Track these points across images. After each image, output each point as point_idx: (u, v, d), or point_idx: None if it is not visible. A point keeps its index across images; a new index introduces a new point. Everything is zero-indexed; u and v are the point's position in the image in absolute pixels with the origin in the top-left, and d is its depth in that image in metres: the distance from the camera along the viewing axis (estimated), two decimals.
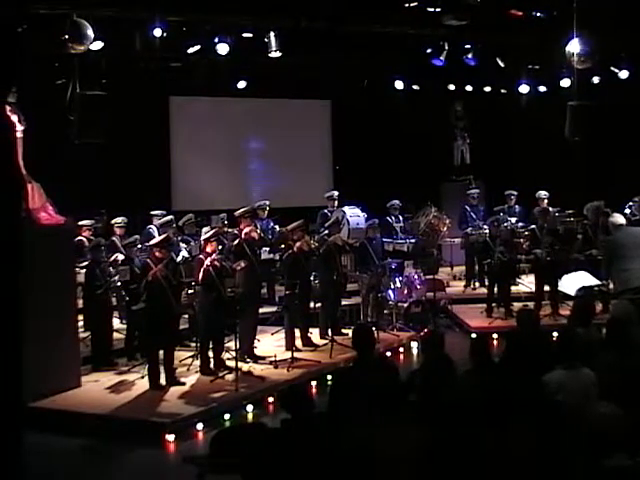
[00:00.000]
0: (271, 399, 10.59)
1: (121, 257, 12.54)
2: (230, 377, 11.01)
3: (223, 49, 14.15)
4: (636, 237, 10.97)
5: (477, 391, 5.83)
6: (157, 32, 13.41)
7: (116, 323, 12.93)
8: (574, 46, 13.15)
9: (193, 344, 12.30)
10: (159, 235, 12.93)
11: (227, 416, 10.04)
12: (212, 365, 11.48)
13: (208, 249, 11.41)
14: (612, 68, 16.88)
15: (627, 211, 14.48)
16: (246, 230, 12.35)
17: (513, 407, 5.47)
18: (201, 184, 18.54)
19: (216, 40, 14.15)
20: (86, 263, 12.23)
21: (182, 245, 13.18)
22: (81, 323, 11.99)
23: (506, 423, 5.16)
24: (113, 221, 14.23)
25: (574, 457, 4.80)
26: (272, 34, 14.15)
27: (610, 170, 17.66)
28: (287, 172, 19.55)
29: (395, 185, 18.09)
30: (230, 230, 13.51)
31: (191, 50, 14.50)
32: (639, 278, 10.69)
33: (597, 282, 12.05)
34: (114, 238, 13.80)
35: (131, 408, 10.15)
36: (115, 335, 12.48)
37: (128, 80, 15.72)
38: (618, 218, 11.03)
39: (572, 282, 12.64)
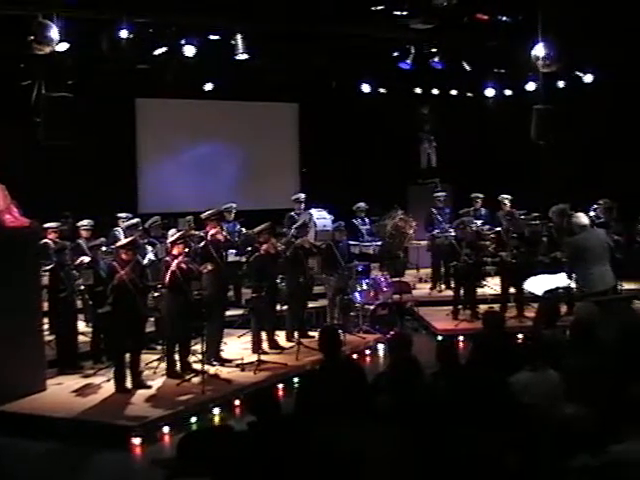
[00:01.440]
0: (238, 402, 10.59)
1: (87, 260, 12.43)
2: (197, 380, 10.97)
3: (190, 51, 14.13)
4: (600, 239, 11.05)
5: (444, 393, 5.85)
6: (123, 34, 13.35)
7: (82, 326, 12.84)
8: (539, 50, 13.25)
9: (159, 347, 12.24)
10: (125, 238, 12.86)
11: (194, 419, 10.02)
12: (178, 368, 11.43)
13: (175, 252, 11.35)
14: (577, 72, 17.04)
15: (592, 214, 14.58)
16: (212, 232, 12.32)
17: (480, 408, 5.50)
18: (167, 186, 18.49)
19: (183, 42, 14.13)
20: (51, 266, 12.13)
21: (148, 248, 13.11)
22: (46, 326, 11.90)
23: (473, 424, 5.18)
24: (79, 224, 14.10)
25: (540, 457, 4.83)
26: (239, 36, 14.14)
27: (575, 173, 17.79)
28: (254, 175, 19.52)
29: (362, 188, 18.15)
30: (196, 232, 13.47)
31: (158, 52, 14.45)
32: (603, 281, 10.78)
33: (564, 283, 12.13)
34: (80, 241, 13.67)
35: (97, 411, 10.08)
36: (81, 338, 12.37)
37: (94, 82, 15.60)
38: (582, 218, 11.03)
39: (539, 283, 12.75)
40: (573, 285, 11.76)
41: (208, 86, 17.33)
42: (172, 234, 12.80)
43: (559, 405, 5.16)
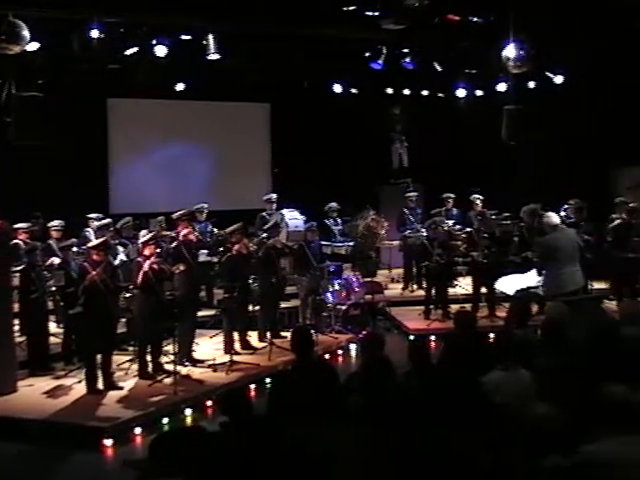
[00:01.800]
0: (210, 402, 10.57)
1: (57, 261, 12.36)
2: (168, 381, 10.93)
3: (161, 51, 14.07)
4: (571, 239, 11.10)
5: (416, 392, 5.86)
6: (94, 33, 13.26)
7: (53, 327, 12.77)
8: (510, 51, 13.30)
9: (131, 348, 12.16)
10: (96, 238, 12.80)
11: (166, 420, 10.00)
12: (150, 369, 11.39)
13: (146, 252, 11.31)
14: (547, 73, 17.14)
15: (562, 214, 14.66)
16: (184, 233, 12.30)
17: (452, 408, 5.51)
18: (139, 187, 18.43)
19: (154, 42, 14.07)
20: (22, 267, 12.03)
21: (120, 248, 13.04)
22: (17, 327, 11.81)
23: (445, 424, 5.20)
24: (50, 224, 14.01)
25: (512, 457, 4.84)
26: (211, 36, 14.08)
27: (546, 173, 17.90)
28: (226, 175, 19.50)
29: (334, 188, 18.15)
30: (168, 233, 13.43)
31: (129, 52, 14.36)
32: (573, 281, 10.83)
33: (535, 282, 12.18)
34: (50, 241, 13.59)
35: (69, 413, 10.02)
36: (52, 339, 12.31)
37: (65, 81, 15.49)
38: (553, 218, 11.08)
39: (510, 282, 12.80)
40: (538, 284, 11.79)
41: (180, 86, 17.27)
42: (144, 235, 12.72)
43: (531, 405, 5.18)
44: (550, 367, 6.52)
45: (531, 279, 12.64)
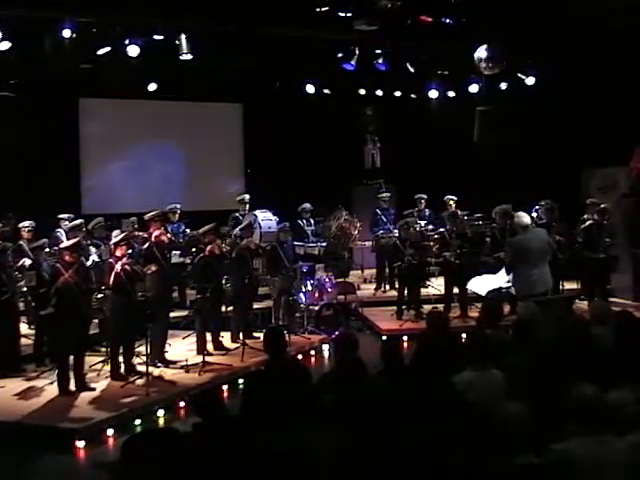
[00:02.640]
0: (182, 404, 10.55)
1: (28, 262, 12.29)
2: (141, 382, 10.91)
3: (134, 51, 14.02)
4: (542, 240, 11.12)
5: (389, 392, 5.88)
6: (66, 33, 13.21)
7: (24, 328, 12.69)
8: (482, 52, 13.38)
9: (103, 349, 12.13)
10: (67, 239, 12.73)
11: (138, 421, 9.96)
12: (122, 370, 11.35)
13: (118, 253, 11.26)
14: (519, 74, 17.23)
15: (534, 214, 14.75)
16: (156, 234, 12.26)
17: (424, 407, 5.54)
18: (111, 187, 18.35)
19: (127, 42, 14.02)
20: None
21: (92, 249, 12.98)
22: None
23: (418, 423, 5.22)
24: (20, 225, 13.89)
25: (484, 456, 4.87)
26: (183, 36, 14.08)
27: (518, 174, 17.98)
28: (198, 175, 19.45)
29: (306, 189, 18.15)
30: (140, 234, 13.38)
31: (101, 51, 14.30)
32: (543, 283, 10.87)
33: (506, 283, 12.23)
34: (21, 242, 13.47)
35: (40, 414, 9.96)
36: (23, 340, 12.23)
37: (37, 81, 15.41)
38: (523, 218, 11.07)
39: (482, 283, 12.86)
40: (507, 286, 11.83)
41: (152, 86, 17.18)
42: (116, 235, 12.68)
43: (502, 404, 5.21)
44: (521, 367, 6.56)
45: (502, 279, 12.70)
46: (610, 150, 16.18)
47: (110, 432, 9.52)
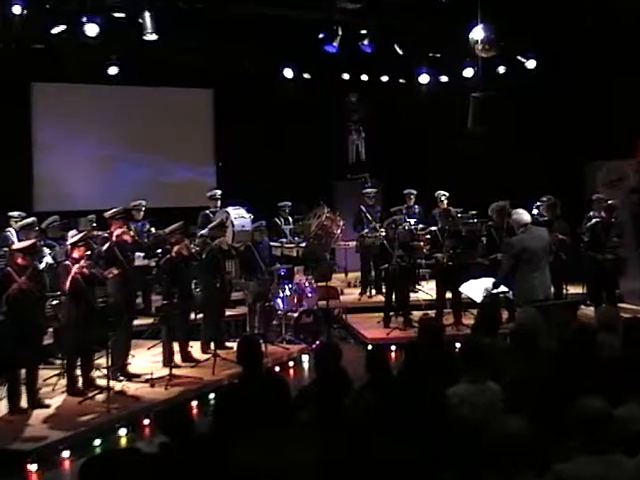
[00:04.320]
0: (147, 421, 10.52)
1: None
2: (101, 397, 10.88)
3: (92, 30, 13.98)
4: (543, 240, 11.07)
5: (374, 407, 5.89)
6: (16, 9, 13.14)
7: None
8: (478, 33, 13.37)
9: (59, 361, 12.10)
10: (18, 239, 12.69)
11: (98, 441, 9.92)
12: (80, 384, 11.31)
13: (75, 255, 11.21)
14: (518, 57, 17.28)
15: (534, 212, 14.82)
16: (118, 233, 12.22)
17: (414, 424, 5.55)
18: (67, 182, 18.28)
19: (84, 19, 13.97)
20: None
21: (46, 250, 12.93)
22: None
23: (407, 441, 5.23)
24: None
25: (480, 477, 4.88)
26: (147, 14, 14.03)
27: (516, 167, 18.03)
28: (164, 169, 19.45)
29: (284, 183, 18.16)
30: (100, 233, 13.34)
31: (55, 30, 14.26)
32: (545, 288, 10.87)
33: (503, 288, 12.23)
34: None
35: None
36: None
37: None
38: (522, 215, 11.00)
39: (477, 287, 12.85)
40: (500, 290, 11.83)
41: (113, 70, 17.14)
42: (72, 235, 12.64)
43: (500, 419, 5.22)
44: (521, 378, 6.58)
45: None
46: (618, 141, 16.26)
47: (66, 454, 9.48)
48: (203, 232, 14.39)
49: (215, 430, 6.50)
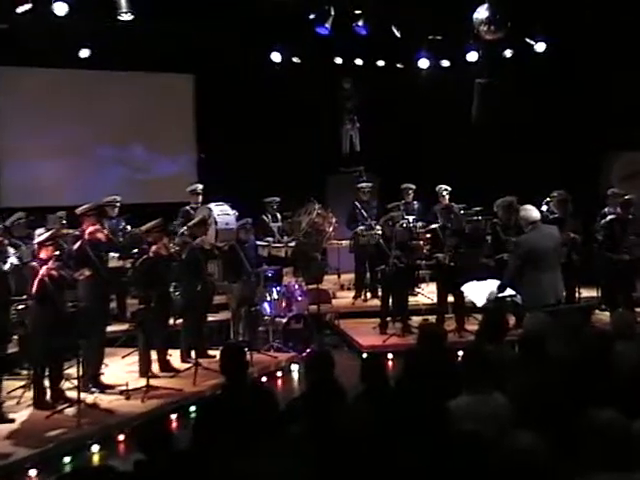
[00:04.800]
0: (122, 437, 10.51)
1: None
2: (71, 411, 10.85)
3: (61, 9, 13.94)
4: (553, 239, 11.04)
5: (370, 420, 5.88)
6: None
7: None
8: (482, 13, 13.39)
9: (25, 371, 12.08)
10: None
11: (67, 459, 9.91)
12: (48, 397, 11.29)
13: (43, 255, 11.19)
14: (527, 39, 17.27)
15: (544, 208, 14.83)
16: (90, 231, 12.20)
17: (413, 439, 5.54)
18: (34, 175, 18.23)
19: None
20: None
21: (10, 250, 12.87)
22: None
23: (405, 457, 5.22)
24: None
25: None
26: None
27: (524, 160, 18.04)
28: (141, 161, 19.44)
29: (272, 177, 18.14)
30: (70, 231, 13.33)
31: (20, 9, 14.21)
32: (555, 291, 10.85)
33: (510, 292, 12.22)
34: None
35: None
36: None
37: None
38: (531, 212, 10.96)
39: (480, 290, 12.84)
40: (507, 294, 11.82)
41: (84, 52, 17.11)
42: (40, 233, 12.60)
43: (509, 434, 5.21)
44: (529, 389, 6.57)
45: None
46: (635, 131, 16.28)
47: (33, 472, 9.46)
48: (183, 230, 14.38)
49: (196, 446, 6.49)
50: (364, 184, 17.79)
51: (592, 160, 18.11)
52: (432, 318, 13.81)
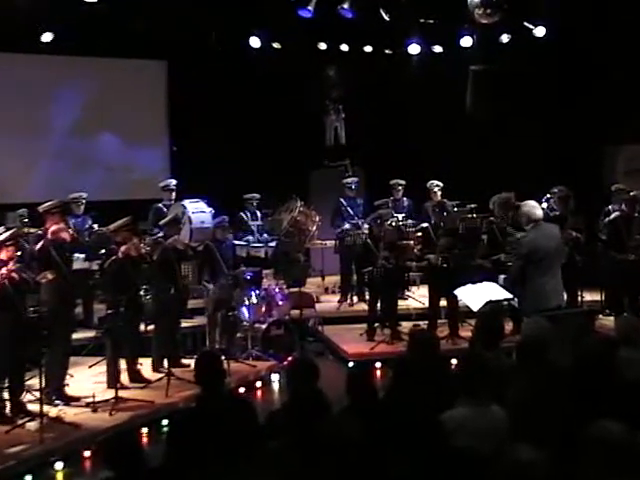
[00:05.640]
0: (88, 453, 10.49)
1: None
2: (33, 425, 10.81)
3: None
4: (555, 238, 11.07)
5: (356, 434, 5.89)
6: None
7: None
8: None
9: None
10: None
11: (29, 478, 9.88)
12: (8, 410, 11.25)
13: (3, 256, 11.16)
14: (525, 23, 17.30)
15: (544, 205, 14.84)
16: (54, 230, 12.16)
17: (402, 454, 5.55)
18: None
19: None
20: None
21: None
22: None
23: (394, 474, 5.23)
24: None
25: None
26: None
27: (523, 153, 18.08)
28: (109, 154, 19.36)
29: (251, 172, 18.12)
30: (32, 230, 13.30)
31: None
32: (557, 294, 10.87)
33: (507, 295, 12.23)
34: None
35: None
36: None
37: None
38: (534, 209, 10.91)
39: (475, 294, 12.85)
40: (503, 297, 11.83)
41: (47, 36, 17.02)
42: None
43: (507, 448, 5.22)
44: (528, 400, 6.60)
45: (501, 290, 12.70)
46: None
47: None
48: (155, 229, 14.37)
49: (168, 462, 6.49)
50: (350, 179, 17.79)
51: (595, 153, 18.15)
52: (423, 324, 13.83)
